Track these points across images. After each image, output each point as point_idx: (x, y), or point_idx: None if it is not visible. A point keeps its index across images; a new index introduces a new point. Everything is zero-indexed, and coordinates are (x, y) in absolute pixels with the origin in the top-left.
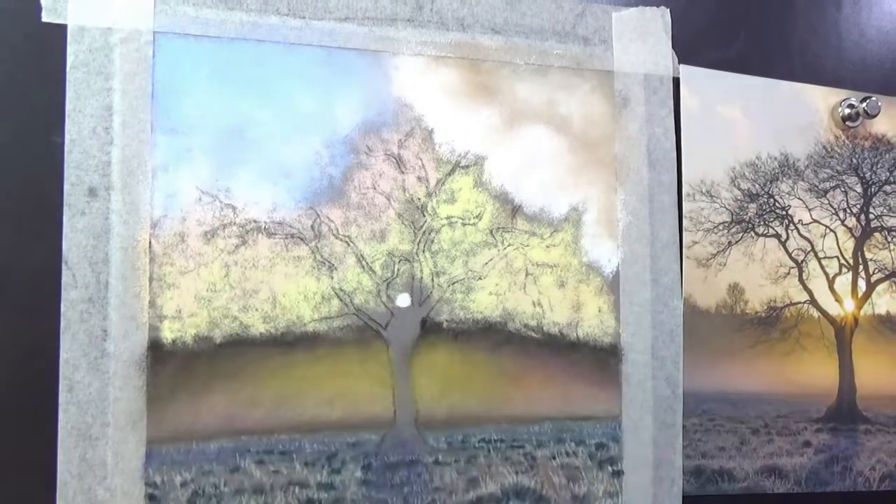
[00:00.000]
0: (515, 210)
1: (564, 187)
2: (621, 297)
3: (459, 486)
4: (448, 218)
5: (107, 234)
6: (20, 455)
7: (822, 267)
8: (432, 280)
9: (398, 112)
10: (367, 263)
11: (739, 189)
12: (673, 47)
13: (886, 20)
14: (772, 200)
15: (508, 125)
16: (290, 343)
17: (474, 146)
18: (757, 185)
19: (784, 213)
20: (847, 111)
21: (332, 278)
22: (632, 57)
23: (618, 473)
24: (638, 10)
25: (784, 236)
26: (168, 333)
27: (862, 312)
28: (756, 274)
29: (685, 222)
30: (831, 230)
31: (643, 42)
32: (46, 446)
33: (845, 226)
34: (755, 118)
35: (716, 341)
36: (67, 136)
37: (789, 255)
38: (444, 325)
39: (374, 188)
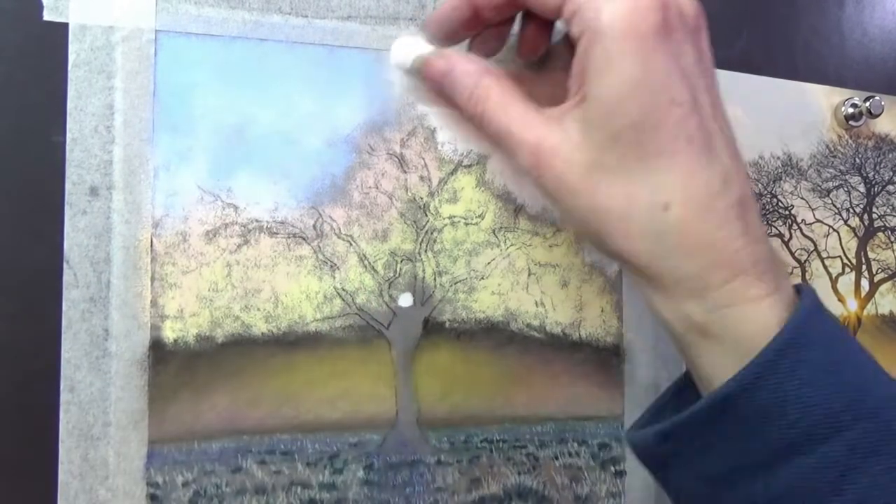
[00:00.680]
0: (518, 209)
1: None
2: (624, 296)
3: (462, 486)
4: (450, 217)
5: (108, 233)
6: (21, 455)
7: (825, 267)
8: (434, 280)
9: (400, 111)
10: (370, 263)
11: None
12: None
13: (890, 19)
14: (775, 200)
15: None
16: (292, 343)
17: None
18: (760, 185)
19: (787, 212)
20: (850, 110)
21: (334, 278)
22: None
23: (620, 474)
24: None
25: (787, 236)
26: (170, 333)
27: (865, 312)
28: None
29: None
30: (834, 230)
31: None
32: (47, 446)
33: (848, 226)
34: (758, 117)
35: None
36: (69, 135)
37: (792, 254)
38: (447, 324)
39: (377, 188)
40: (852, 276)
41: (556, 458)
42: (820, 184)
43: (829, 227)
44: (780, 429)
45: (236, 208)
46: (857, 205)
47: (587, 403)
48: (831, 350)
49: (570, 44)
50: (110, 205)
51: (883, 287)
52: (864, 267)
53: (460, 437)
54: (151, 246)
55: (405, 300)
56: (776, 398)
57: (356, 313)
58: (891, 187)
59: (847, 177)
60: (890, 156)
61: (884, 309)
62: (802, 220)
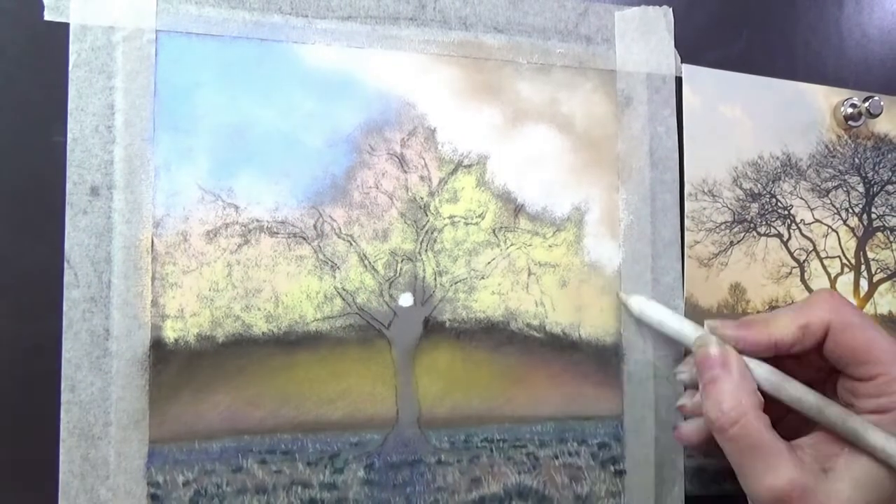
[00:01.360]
0: (518, 209)
1: (567, 186)
2: None
3: (462, 485)
4: (451, 217)
5: (109, 233)
6: (22, 455)
7: (824, 267)
8: (435, 279)
9: (400, 111)
10: (370, 263)
11: (741, 188)
12: (675, 46)
13: (889, 19)
14: (774, 200)
15: (511, 124)
16: (292, 342)
17: (477, 145)
18: (759, 185)
19: (786, 212)
20: (849, 111)
21: (334, 278)
22: (634, 56)
23: (620, 473)
24: (641, 9)
25: (786, 236)
26: (170, 333)
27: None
28: (758, 274)
29: (687, 222)
30: (833, 230)
31: (646, 41)
32: (48, 446)
33: (847, 226)
34: (757, 117)
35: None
36: (69, 135)
37: (791, 254)
38: (447, 324)
39: (377, 187)
40: (851, 276)
41: (556, 457)
42: (819, 184)
43: (829, 227)
44: None
45: (237, 208)
46: (857, 205)
47: (587, 403)
48: None
49: None
50: (111, 204)
51: (882, 287)
52: (863, 267)
53: (460, 437)
54: (152, 246)
55: (405, 300)
56: None
57: (356, 313)
58: (890, 187)
59: (846, 177)
60: (889, 156)
61: (883, 309)
62: (801, 220)
